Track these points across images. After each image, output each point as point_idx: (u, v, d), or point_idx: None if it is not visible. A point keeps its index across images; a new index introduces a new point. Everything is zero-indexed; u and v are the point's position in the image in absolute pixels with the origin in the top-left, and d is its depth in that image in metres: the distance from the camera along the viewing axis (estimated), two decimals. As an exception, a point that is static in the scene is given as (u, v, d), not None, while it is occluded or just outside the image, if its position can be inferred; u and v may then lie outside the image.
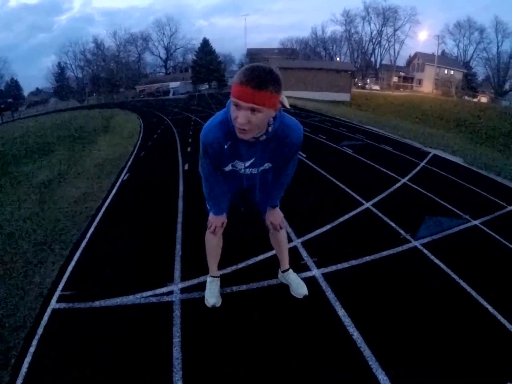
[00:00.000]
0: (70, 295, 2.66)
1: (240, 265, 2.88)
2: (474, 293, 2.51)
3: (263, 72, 1.42)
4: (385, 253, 3.08)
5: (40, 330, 2.30)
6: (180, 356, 2.01)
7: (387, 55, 66.55)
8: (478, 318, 2.27)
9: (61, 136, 15.94)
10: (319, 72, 32.90)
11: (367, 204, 4.27)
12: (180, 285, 2.68)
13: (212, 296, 2.40)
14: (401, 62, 65.40)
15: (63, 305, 2.55)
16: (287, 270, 2.54)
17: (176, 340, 2.13)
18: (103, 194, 5.38)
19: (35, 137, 17.43)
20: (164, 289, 2.63)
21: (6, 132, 23.69)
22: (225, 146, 1.75)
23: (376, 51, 67.29)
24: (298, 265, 2.82)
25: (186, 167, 6.69)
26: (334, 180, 5.37)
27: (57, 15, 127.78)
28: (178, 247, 3.30)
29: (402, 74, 58.38)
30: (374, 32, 66.53)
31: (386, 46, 66.42)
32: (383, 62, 65.82)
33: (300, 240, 3.31)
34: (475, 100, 45.08)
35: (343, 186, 5.02)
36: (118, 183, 5.97)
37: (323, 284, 2.62)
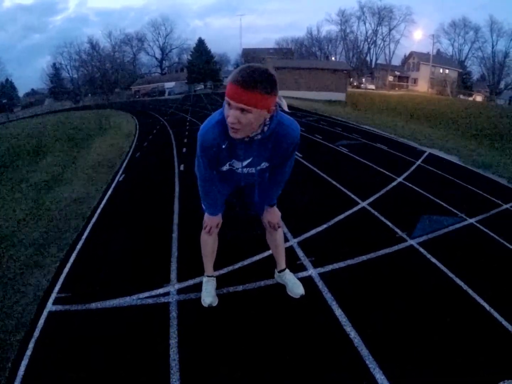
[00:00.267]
0: (66, 297, 2.65)
1: (236, 265, 2.88)
2: (470, 291, 2.52)
3: (255, 73, 1.41)
4: (381, 252, 3.09)
5: (36, 333, 2.28)
6: (177, 357, 2.00)
7: (382, 54, 67.11)
8: (474, 316, 2.28)
9: (57, 137, 15.83)
10: (315, 72, 32.87)
11: (363, 203, 4.27)
12: (177, 286, 2.67)
13: (208, 295, 2.39)
14: (397, 61, 65.94)
15: (59, 307, 2.54)
16: (284, 270, 2.54)
17: (173, 341, 2.13)
18: (99, 195, 5.35)
19: (30, 139, 17.31)
20: (160, 290, 2.63)
21: (1, 133, 23.53)
22: (223, 146, 1.75)
23: (372, 51, 67.78)
24: (294, 265, 2.83)
25: (182, 167, 6.68)
26: (330, 179, 5.37)
27: (52, 15, 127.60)
28: (174, 248, 3.29)
29: (397, 73, 58.60)
30: (369, 32, 67.06)
31: (381, 45, 66.98)
32: (379, 61, 66.27)
33: (296, 240, 3.31)
34: (470, 99, 45.27)
35: (339, 186, 5.03)
36: (113, 184, 5.94)
37: (320, 284, 2.62)
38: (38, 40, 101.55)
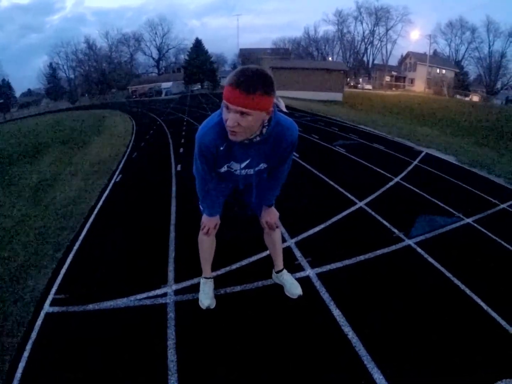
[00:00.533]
0: (63, 299, 2.64)
1: (234, 266, 2.88)
2: (468, 291, 2.53)
3: (253, 75, 1.41)
4: (379, 252, 3.09)
5: (33, 335, 2.27)
6: (175, 358, 2.00)
7: (379, 54, 67.07)
8: (472, 315, 2.29)
9: (54, 138, 15.78)
10: (312, 72, 32.90)
11: (361, 204, 4.28)
12: (174, 287, 2.67)
13: (206, 297, 2.39)
14: (393, 61, 65.99)
15: (56, 308, 2.53)
16: (281, 270, 2.54)
17: (171, 342, 2.12)
18: (96, 195, 5.34)
19: (27, 139, 17.26)
20: (158, 291, 2.62)
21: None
22: (221, 148, 1.74)
23: (369, 51, 67.72)
24: (292, 266, 2.83)
25: (179, 167, 6.66)
26: (327, 179, 5.38)
27: (49, 15, 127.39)
28: (172, 248, 3.28)
29: (394, 73, 58.80)
30: (366, 32, 67.00)
31: (378, 45, 66.89)
32: (376, 61, 66.33)
33: (293, 240, 3.32)
34: (467, 99, 45.44)
35: (336, 186, 5.03)
36: (110, 185, 5.92)
37: (318, 284, 2.63)
38: (35, 40, 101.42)
